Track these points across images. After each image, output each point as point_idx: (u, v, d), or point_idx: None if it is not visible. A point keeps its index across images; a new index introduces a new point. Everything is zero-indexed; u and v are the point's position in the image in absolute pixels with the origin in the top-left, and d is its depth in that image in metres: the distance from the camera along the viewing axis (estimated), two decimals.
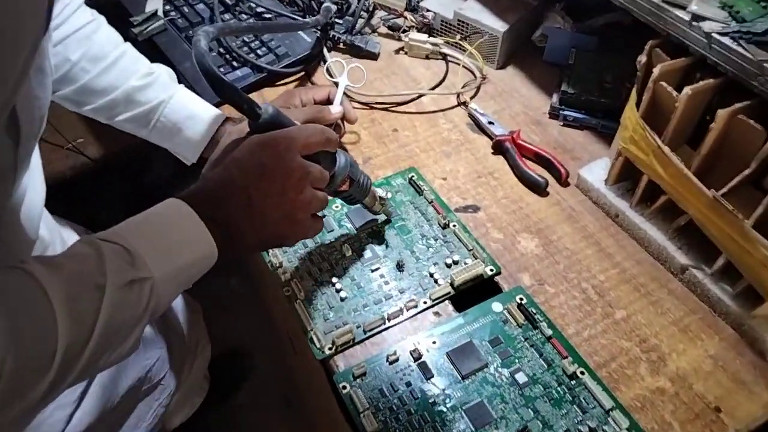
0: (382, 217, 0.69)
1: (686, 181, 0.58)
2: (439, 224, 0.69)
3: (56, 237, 0.61)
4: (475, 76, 0.89)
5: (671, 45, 0.60)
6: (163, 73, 0.70)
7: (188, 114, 0.69)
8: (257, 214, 0.48)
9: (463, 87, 0.87)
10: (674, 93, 0.57)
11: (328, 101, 0.74)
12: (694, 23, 0.55)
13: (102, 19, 0.69)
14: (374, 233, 0.68)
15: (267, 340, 1.40)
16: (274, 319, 1.19)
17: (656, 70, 0.58)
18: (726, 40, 0.53)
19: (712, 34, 0.53)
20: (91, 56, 0.65)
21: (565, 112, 0.81)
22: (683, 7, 0.56)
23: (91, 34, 0.65)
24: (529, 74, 0.90)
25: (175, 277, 0.44)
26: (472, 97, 0.86)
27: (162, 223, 0.45)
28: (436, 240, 0.68)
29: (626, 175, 0.70)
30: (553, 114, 0.83)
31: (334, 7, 0.89)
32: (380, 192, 0.66)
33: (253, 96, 0.86)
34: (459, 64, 0.90)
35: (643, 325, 0.61)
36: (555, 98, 0.83)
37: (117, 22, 0.95)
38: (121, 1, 0.98)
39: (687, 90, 0.55)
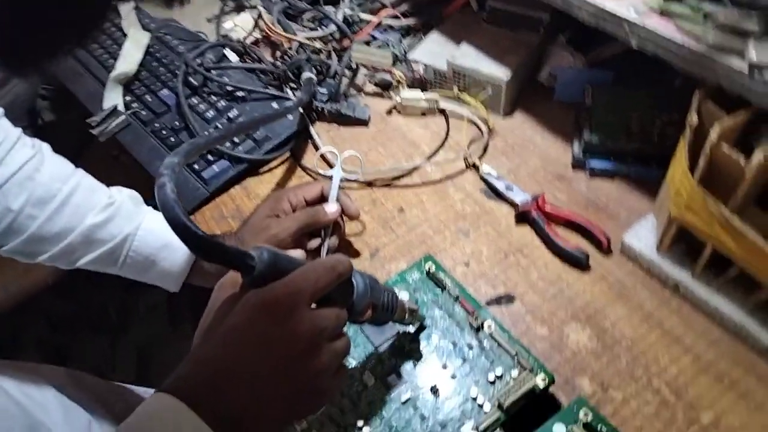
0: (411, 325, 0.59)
1: (765, 255, 0.48)
2: (471, 326, 0.59)
3: None
4: (481, 130, 0.79)
5: (722, 93, 0.50)
6: (126, 200, 0.60)
7: (162, 243, 0.59)
8: (268, 397, 0.39)
9: (469, 146, 0.77)
10: (742, 159, 0.47)
11: (322, 198, 0.64)
12: (757, 75, 0.45)
13: (45, 148, 0.59)
14: (397, 350, 0.58)
15: None
16: None
17: (714, 132, 0.48)
18: None
19: None
20: (36, 199, 0.55)
21: (591, 164, 0.71)
22: (740, 54, 0.46)
23: (33, 172, 0.55)
24: (541, 119, 0.80)
25: None
26: (481, 156, 0.76)
27: None
28: (470, 348, 0.57)
29: (682, 238, 0.59)
30: (577, 165, 0.73)
31: (315, 78, 0.79)
32: (409, 301, 0.55)
33: (237, 190, 0.77)
34: (461, 119, 0.80)
35: (738, 429, 0.51)
36: (576, 148, 0.73)
37: (80, 124, 0.86)
38: (80, 99, 0.89)
39: (759, 156, 0.45)
